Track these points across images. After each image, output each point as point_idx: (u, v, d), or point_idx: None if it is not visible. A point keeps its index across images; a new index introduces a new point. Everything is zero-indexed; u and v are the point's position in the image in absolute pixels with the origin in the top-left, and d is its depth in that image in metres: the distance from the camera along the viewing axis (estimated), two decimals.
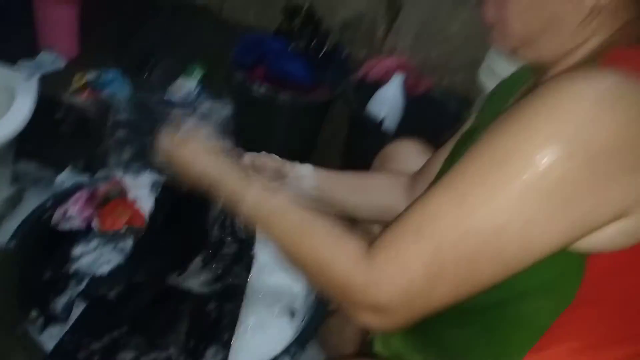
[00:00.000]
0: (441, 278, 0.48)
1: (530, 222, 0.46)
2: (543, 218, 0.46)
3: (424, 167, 0.86)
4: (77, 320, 0.85)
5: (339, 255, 0.52)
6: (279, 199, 0.60)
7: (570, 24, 0.54)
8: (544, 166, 0.45)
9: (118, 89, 1.44)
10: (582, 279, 0.51)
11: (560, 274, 0.52)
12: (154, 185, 1.20)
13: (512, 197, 0.46)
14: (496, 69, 1.20)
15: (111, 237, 1.03)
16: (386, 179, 0.91)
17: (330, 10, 1.52)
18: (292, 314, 0.99)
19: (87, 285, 0.92)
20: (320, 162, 1.38)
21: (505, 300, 0.56)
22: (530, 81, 0.65)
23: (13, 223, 1.20)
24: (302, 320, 0.94)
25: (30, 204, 1.21)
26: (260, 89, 1.24)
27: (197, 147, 0.69)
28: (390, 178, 0.91)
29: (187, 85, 1.51)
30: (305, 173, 0.86)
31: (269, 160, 0.87)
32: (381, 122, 1.25)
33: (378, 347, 0.76)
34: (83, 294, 0.91)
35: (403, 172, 0.92)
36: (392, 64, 1.39)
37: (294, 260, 0.58)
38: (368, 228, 0.94)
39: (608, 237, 0.49)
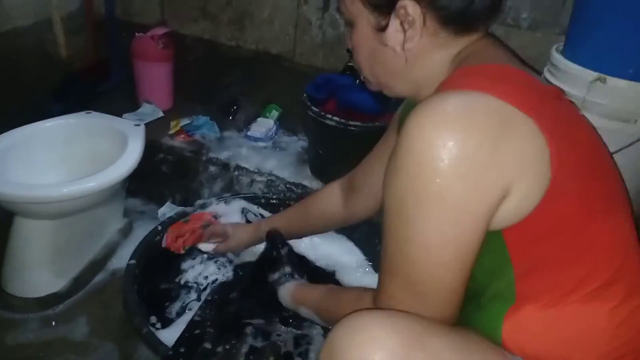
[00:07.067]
0: (424, 297, 0.58)
1: (443, 232, 0.54)
2: (453, 220, 0.54)
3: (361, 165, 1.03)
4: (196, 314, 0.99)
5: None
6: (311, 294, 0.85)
7: (398, 67, 0.62)
8: (425, 189, 0.53)
9: (208, 131, 1.63)
10: (508, 250, 0.58)
11: (487, 252, 0.58)
12: (243, 211, 1.35)
13: (423, 220, 0.54)
14: None
15: (212, 255, 1.17)
16: (320, 197, 1.09)
17: None
18: None
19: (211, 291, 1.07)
20: None
21: (473, 293, 0.63)
22: None
23: (126, 250, 1.38)
24: None
25: (139, 233, 1.39)
26: (333, 119, 1.36)
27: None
28: (323, 193, 1.09)
29: (265, 124, 1.67)
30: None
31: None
32: None
33: None
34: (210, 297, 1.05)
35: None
36: None
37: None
38: None
39: (505, 215, 0.55)
